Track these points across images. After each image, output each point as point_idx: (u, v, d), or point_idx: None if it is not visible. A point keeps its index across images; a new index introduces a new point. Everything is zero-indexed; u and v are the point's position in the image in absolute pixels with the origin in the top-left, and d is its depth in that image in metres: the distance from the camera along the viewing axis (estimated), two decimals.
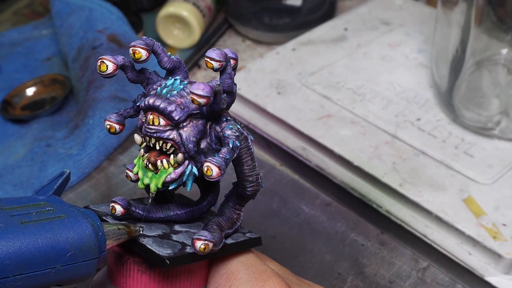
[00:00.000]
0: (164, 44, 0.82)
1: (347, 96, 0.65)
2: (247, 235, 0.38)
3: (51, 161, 0.63)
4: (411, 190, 0.55)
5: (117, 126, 0.36)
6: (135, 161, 0.34)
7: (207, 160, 0.31)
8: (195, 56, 0.80)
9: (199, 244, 0.32)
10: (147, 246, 0.33)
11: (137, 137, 0.34)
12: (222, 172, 0.31)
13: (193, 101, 0.31)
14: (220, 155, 0.32)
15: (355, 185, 0.58)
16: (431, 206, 0.53)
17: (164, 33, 0.81)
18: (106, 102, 0.67)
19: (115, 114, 0.36)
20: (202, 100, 0.31)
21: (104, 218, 0.35)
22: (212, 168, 0.31)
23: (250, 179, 0.36)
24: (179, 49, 0.81)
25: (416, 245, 0.54)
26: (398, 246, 0.55)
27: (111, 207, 0.35)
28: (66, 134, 0.67)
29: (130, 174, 0.35)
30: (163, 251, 0.33)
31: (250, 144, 0.35)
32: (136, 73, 0.35)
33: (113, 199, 0.34)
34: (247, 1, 0.82)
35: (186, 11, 0.79)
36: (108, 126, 0.36)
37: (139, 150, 0.34)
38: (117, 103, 0.67)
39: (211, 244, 0.33)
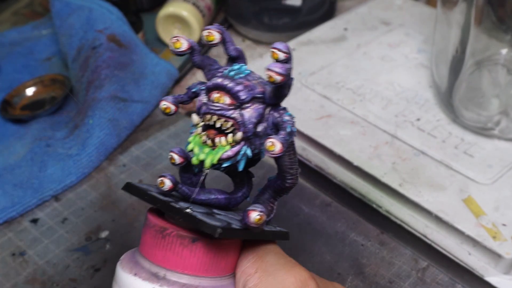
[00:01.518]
0: (164, 44, 0.82)
1: (347, 96, 0.65)
2: (278, 228, 0.40)
3: (51, 161, 0.63)
4: (411, 190, 0.55)
5: (173, 107, 0.38)
6: (190, 139, 0.36)
7: (271, 136, 0.33)
8: None
9: (255, 215, 0.34)
10: (198, 217, 0.34)
11: (195, 117, 0.36)
12: (284, 148, 0.33)
13: (269, 78, 0.32)
14: (281, 135, 0.34)
15: (355, 185, 0.58)
16: (431, 206, 0.53)
17: (164, 33, 0.81)
18: (106, 102, 0.67)
19: (171, 96, 0.38)
20: (278, 77, 0.32)
21: (148, 192, 0.36)
22: (275, 144, 0.33)
23: (291, 171, 0.38)
24: None
25: (416, 245, 0.54)
26: (398, 246, 0.55)
27: (159, 181, 0.36)
28: (66, 134, 0.67)
29: (175, 156, 0.37)
30: (214, 222, 0.34)
31: (293, 139, 0.37)
32: (202, 58, 0.37)
33: (163, 174, 0.36)
34: (247, 1, 0.82)
35: (186, 11, 0.79)
36: (164, 106, 0.38)
37: (191, 132, 0.36)
38: (117, 103, 0.67)
39: (264, 216, 0.34)
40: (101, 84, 0.68)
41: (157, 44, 0.82)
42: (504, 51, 0.61)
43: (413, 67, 0.70)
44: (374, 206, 0.56)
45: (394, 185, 0.55)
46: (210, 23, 0.86)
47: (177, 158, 0.37)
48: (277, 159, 0.37)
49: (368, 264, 0.53)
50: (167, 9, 0.79)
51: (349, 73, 0.69)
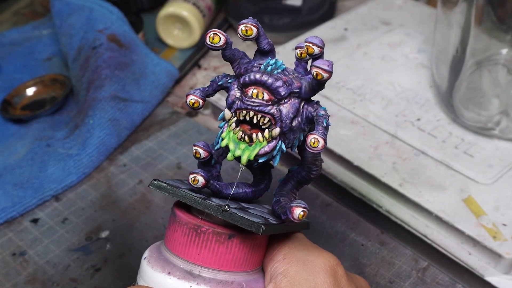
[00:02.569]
0: (164, 44, 0.82)
1: (347, 96, 0.65)
2: None
3: (51, 161, 0.63)
4: (411, 190, 0.55)
5: (201, 101, 0.37)
6: (223, 134, 0.35)
7: (312, 133, 0.33)
8: (195, 56, 0.80)
9: (299, 211, 0.34)
10: (238, 214, 0.34)
11: (228, 112, 0.35)
12: (325, 145, 0.33)
13: (317, 75, 0.33)
14: (320, 131, 0.34)
15: (355, 185, 0.58)
16: (431, 206, 0.53)
17: (164, 33, 0.81)
18: (106, 102, 0.67)
19: (198, 90, 0.38)
20: (326, 75, 0.33)
21: (183, 190, 0.36)
22: (319, 140, 0.33)
23: (317, 163, 0.38)
24: (179, 49, 0.81)
25: (416, 245, 0.54)
26: (398, 246, 0.55)
27: (192, 178, 0.35)
28: (66, 134, 0.67)
29: (200, 151, 0.37)
30: (254, 219, 0.34)
31: None
32: (233, 51, 0.36)
33: (195, 171, 0.35)
34: (247, 1, 0.82)
35: (186, 11, 0.79)
36: (192, 101, 0.37)
37: (220, 126, 0.36)
38: (117, 103, 0.68)
39: (307, 212, 0.35)
40: (102, 84, 0.68)
41: (158, 44, 0.82)
42: (504, 51, 0.61)
43: (413, 67, 0.70)
44: (374, 206, 0.56)
45: (394, 185, 0.55)
46: (211, 23, 0.86)
47: (202, 153, 0.37)
48: (303, 151, 0.38)
49: (368, 264, 0.53)
50: (168, 9, 0.79)
51: (349, 73, 0.69)
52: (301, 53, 0.37)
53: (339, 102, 0.65)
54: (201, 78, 0.78)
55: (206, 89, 0.38)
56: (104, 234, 0.57)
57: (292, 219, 0.35)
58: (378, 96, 0.66)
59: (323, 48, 0.34)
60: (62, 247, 0.56)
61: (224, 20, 0.87)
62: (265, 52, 0.37)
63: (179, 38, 0.81)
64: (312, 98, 0.37)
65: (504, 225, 0.51)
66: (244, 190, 0.39)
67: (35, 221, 0.59)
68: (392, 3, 0.81)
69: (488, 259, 0.50)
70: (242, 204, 0.38)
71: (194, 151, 0.37)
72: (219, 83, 0.38)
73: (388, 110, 0.64)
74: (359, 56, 0.72)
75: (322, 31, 0.76)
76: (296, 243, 0.37)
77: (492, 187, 0.55)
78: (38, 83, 0.75)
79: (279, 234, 0.38)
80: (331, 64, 0.33)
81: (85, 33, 0.73)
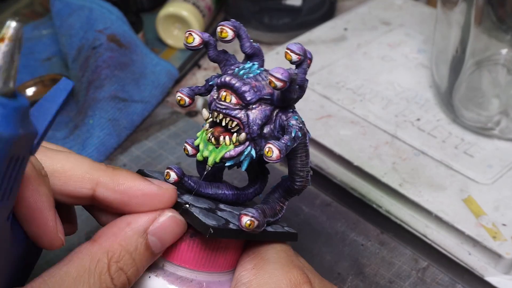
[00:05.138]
0: (164, 44, 0.82)
1: (347, 96, 0.65)
2: (286, 228, 0.40)
3: None
4: (411, 190, 0.55)
5: (187, 99, 0.38)
6: (198, 134, 0.36)
7: (269, 142, 0.33)
8: (195, 56, 0.80)
9: (246, 220, 0.34)
10: (194, 214, 0.34)
11: (205, 112, 0.36)
12: (282, 155, 0.33)
13: (270, 83, 0.32)
14: (282, 141, 0.33)
15: (355, 185, 0.58)
16: (431, 206, 0.53)
17: (164, 33, 0.81)
18: (106, 102, 0.67)
19: (187, 88, 0.38)
20: (279, 83, 0.32)
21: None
22: (273, 150, 0.33)
23: (301, 174, 0.37)
24: (179, 49, 0.81)
25: (416, 245, 0.54)
26: (398, 246, 0.55)
27: (165, 173, 0.36)
28: (66, 134, 0.67)
29: (188, 147, 0.37)
30: (209, 221, 0.34)
31: (307, 141, 0.36)
32: (217, 53, 0.37)
33: (169, 166, 0.36)
34: (247, 1, 0.82)
35: (186, 11, 0.79)
36: (178, 98, 0.38)
37: (203, 125, 0.36)
38: (117, 103, 0.68)
39: (256, 222, 0.34)
40: (101, 84, 0.68)
41: (157, 44, 0.82)
42: (504, 51, 0.61)
43: (413, 67, 0.70)
44: (374, 206, 0.56)
45: (394, 185, 0.55)
46: (210, 23, 0.86)
47: (190, 150, 0.37)
48: (288, 160, 0.37)
49: (368, 264, 0.53)
50: (167, 9, 0.79)
51: (349, 73, 0.69)
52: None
53: (339, 102, 0.65)
54: (201, 78, 0.78)
55: (199, 88, 0.38)
56: None
57: (240, 226, 0.34)
58: (378, 96, 0.66)
59: (302, 56, 0.33)
60: (62, 247, 0.56)
61: (224, 20, 0.86)
62: (249, 56, 0.37)
63: (179, 38, 0.81)
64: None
65: (504, 225, 0.51)
66: (223, 192, 0.38)
67: None
68: (392, 3, 0.81)
69: (488, 259, 0.50)
70: (221, 205, 0.38)
71: (184, 147, 0.37)
72: (210, 83, 0.38)
73: (388, 110, 0.64)
74: (359, 56, 0.72)
75: (322, 31, 0.76)
76: (270, 255, 0.37)
77: (492, 187, 0.55)
78: (38, 83, 0.75)
79: (259, 241, 0.37)
80: (287, 73, 0.32)
81: (85, 33, 0.73)
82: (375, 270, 0.53)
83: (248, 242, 0.38)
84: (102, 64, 0.70)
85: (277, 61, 0.70)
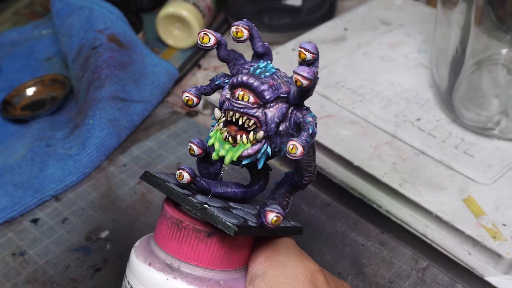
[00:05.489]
0: (164, 44, 0.82)
1: (347, 96, 0.65)
2: (292, 222, 0.40)
3: (51, 161, 0.63)
4: (411, 190, 0.55)
5: (195, 99, 0.38)
6: (211, 134, 0.36)
7: (292, 139, 0.33)
8: (195, 56, 0.80)
9: (272, 216, 0.35)
10: (215, 213, 0.34)
11: (217, 112, 0.36)
12: (305, 152, 0.33)
13: (296, 81, 0.33)
14: (303, 138, 0.34)
15: (355, 185, 0.58)
16: (431, 206, 0.53)
17: (164, 33, 0.81)
18: (106, 102, 0.67)
19: (194, 88, 0.38)
20: (305, 82, 0.33)
21: (166, 184, 0.36)
22: (297, 147, 0.33)
23: (309, 169, 0.38)
24: (179, 49, 0.81)
25: (416, 245, 0.54)
26: (398, 246, 0.55)
27: (178, 174, 0.36)
28: (66, 134, 0.67)
29: (194, 147, 0.37)
30: (230, 220, 0.34)
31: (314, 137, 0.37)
32: (227, 52, 0.37)
33: (181, 167, 0.36)
34: (247, 1, 0.82)
35: (186, 11, 0.79)
36: (187, 98, 0.38)
37: (213, 125, 0.36)
38: (117, 103, 0.68)
39: (281, 218, 0.35)
40: (102, 84, 0.68)
41: (157, 44, 0.82)
42: (504, 51, 0.61)
43: (413, 67, 0.70)
44: (374, 206, 0.56)
45: (394, 185, 0.55)
46: (210, 23, 0.86)
47: (196, 149, 0.37)
48: None
49: (368, 264, 0.53)
50: (167, 9, 0.79)
51: (349, 73, 0.69)
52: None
53: (339, 102, 0.65)
54: (201, 78, 0.78)
55: (204, 87, 0.38)
56: (104, 234, 0.57)
57: (265, 223, 0.35)
58: (378, 96, 0.66)
59: (316, 55, 0.34)
60: (62, 247, 0.56)
61: (224, 20, 0.87)
62: (260, 55, 0.38)
63: (179, 38, 0.81)
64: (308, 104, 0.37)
65: (504, 225, 0.51)
66: (233, 190, 0.39)
67: (35, 221, 0.59)
68: (392, 3, 0.81)
69: (488, 259, 0.50)
70: (231, 203, 0.38)
71: (189, 147, 0.37)
72: (216, 82, 0.38)
73: (388, 110, 0.64)
74: (359, 56, 0.72)
75: (322, 31, 0.76)
76: (281, 247, 0.37)
77: (492, 187, 0.55)
78: (38, 83, 0.75)
79: (268, 236, 0.38)
80: (312, 71, 0.33)
81: (85, 33, 0.73)
82: (375, 270, 0.53)
83: (257, 238, 0.38)
84: (102, 64, 0.70)
85: (277, 61, 0.69)
